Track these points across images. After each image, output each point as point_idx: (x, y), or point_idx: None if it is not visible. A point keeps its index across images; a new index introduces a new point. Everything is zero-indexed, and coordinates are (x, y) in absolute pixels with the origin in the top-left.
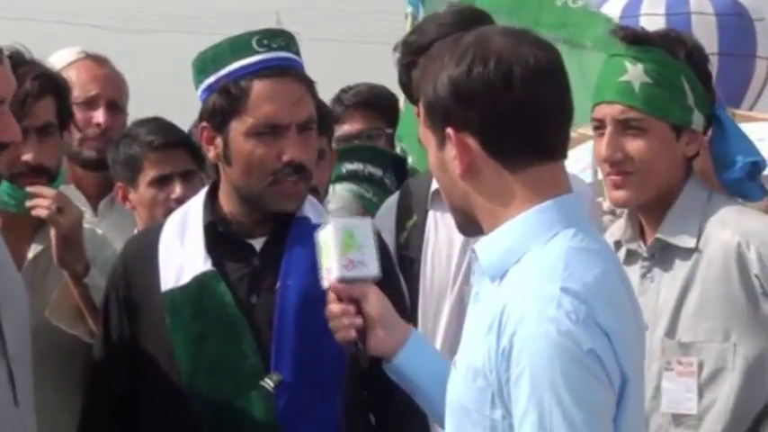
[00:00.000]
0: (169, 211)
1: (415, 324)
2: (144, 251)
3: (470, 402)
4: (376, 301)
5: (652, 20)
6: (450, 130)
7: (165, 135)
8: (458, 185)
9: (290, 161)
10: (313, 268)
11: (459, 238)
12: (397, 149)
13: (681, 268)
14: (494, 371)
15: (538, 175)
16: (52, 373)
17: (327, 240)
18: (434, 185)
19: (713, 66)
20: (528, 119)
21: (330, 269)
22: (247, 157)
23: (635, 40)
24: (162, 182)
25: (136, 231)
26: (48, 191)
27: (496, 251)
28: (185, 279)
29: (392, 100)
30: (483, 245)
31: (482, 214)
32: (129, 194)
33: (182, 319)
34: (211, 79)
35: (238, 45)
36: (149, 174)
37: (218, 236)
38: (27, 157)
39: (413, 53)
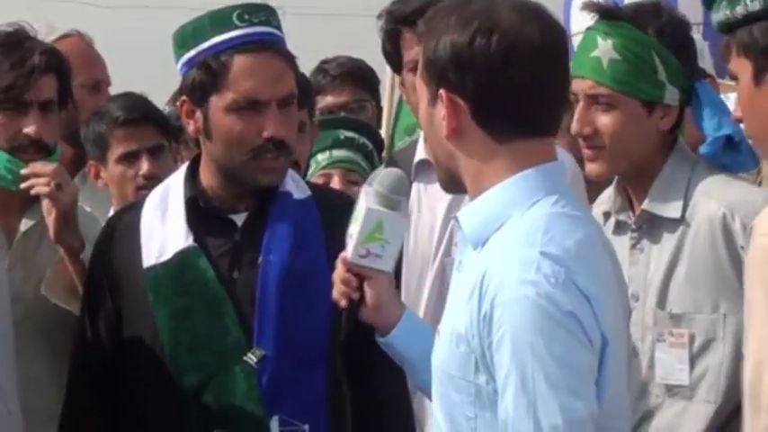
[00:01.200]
0: (139, 188)
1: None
2: (125, 228)
3: (454, 369)
4: (377, 288)
5: None
6: (443, 92)
7: (130, 111)
8: (443, 144)
9: (271, 137)
10: (295, 243)
11: (441, 209)
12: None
13: (668, 239)
14: (476, 336)
15: (524, 147)
16: (44, 347)
17: (358, 216)
18: (418, 157)
19: (698, 36)
20: (521, 98)
21: (350, 239)
22: (227, 133)
23: (605, 14)
24: (129, 158)
25: (112, 209)
26: (45, 168)
27: (478, 218)
28: (167, 255)
29: (373, 73)
30: (465, 213)
31: (466, 175)
32: (101, 172)
33: (164, 295)
34: (191, 53)
35: (219, 19)
36: (117, 150)
37: (200, 211)
38: (29, 130)
39: (396, 21)
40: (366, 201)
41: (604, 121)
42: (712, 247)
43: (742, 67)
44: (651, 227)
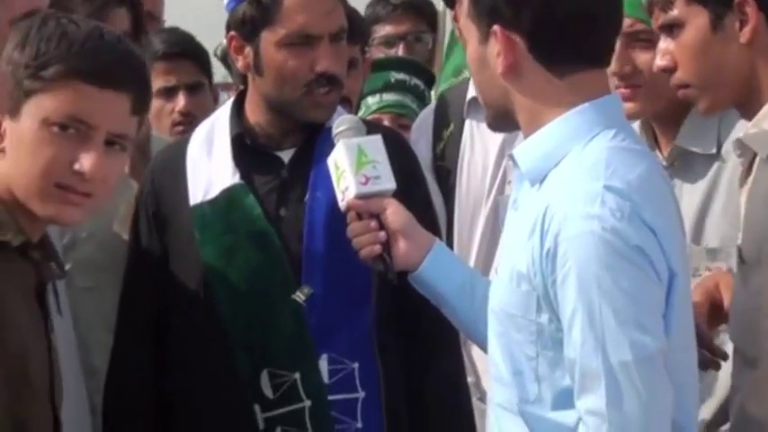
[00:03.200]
0: (175, 124)
1: (451, 234)
2: (171, 165)
3: (515, 308)
4: (396, 213)
5: None
6: (497, 27)
7: (171, 45)
8: (497, 82)
9: (324, 72)
10: None
11: (494, 148)
12: None
13: (702, 175)
14: (538, 274)
15: (582, 80)
16: (116, 281)
17: (340, 161)
18: (470, 94)
19: None
20: (580, 27)
21: (347, 188)
22: (279, 68)
23: None
24: (167, 93)
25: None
26: None
27: (536, 155)
28: (213, 193)
29: (433, 6)
30: (522, 149)
31: (521, 113)
32: None
33: (211, 233)
34: None
35: None
36: (155, 84)
37: (246, 148)
38: None
39: None
40: (336, 147)
41: (644, 58)
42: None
43: (692, 14)
44: (684, 164)
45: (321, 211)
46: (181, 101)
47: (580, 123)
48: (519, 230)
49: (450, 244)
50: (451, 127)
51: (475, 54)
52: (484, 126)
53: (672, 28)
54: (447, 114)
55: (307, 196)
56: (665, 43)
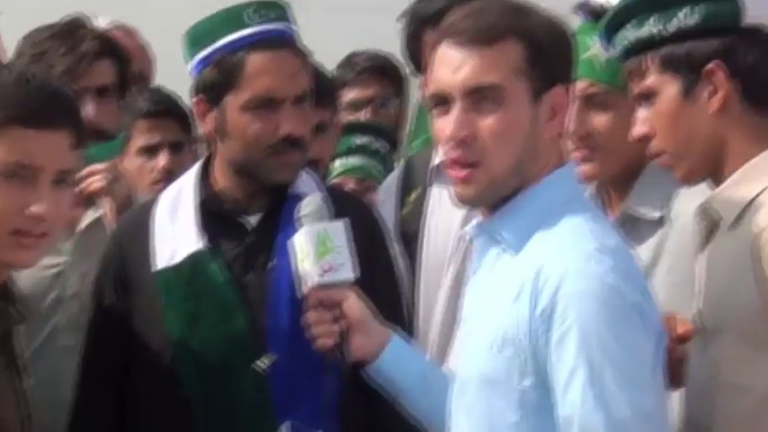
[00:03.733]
0: (155, 182)
1: (415, 300)
2: (137, 229)
3: (497, 374)
4: (354, 305)
5: None
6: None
7: (155, 103)
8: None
9: (288, 135)
10: None
11: (458, 214)
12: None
13: (649, 239)
14: (528, 335)
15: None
16: None
17: (302, 246)
18: (437, 160)
19: None
20: None
21: (306, 275)
22: (243, 131)
23: (597, 16)
24: (149, 151)
25: None
26: (99, 166)
27: (519, 221)
28: (179, 258)
29: (399, 69)
30: (498, 220)
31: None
32: (123, 162)
33: (175, 298)
34: (205, 52)
35: (232, 17)
36: (138, 142)
37: (212, 213)
38: (84, 116)
39: (419, 22)
40: (298, 232)
41: (600, 120)
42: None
43: (665, 83)
44: (632, 227)
45: (285, 279)
46: (162, 159)
47: (563, 191)
48: (498, 294)
49: (413, 307)
50: (416, 193)
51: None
52: (448, 192)
53: (648, 96)
54: (412, 180)
55: (272, 263)
56: (642, 112)
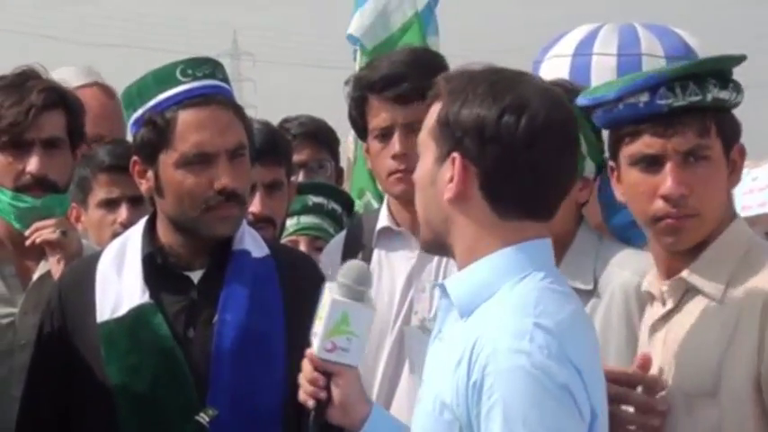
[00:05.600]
0: (116, 235)
1: None
2: (80, 280)
3: None
4: (346, 384)
5: (603, 59)
6: (457, 155)
7: (116, 158)
8: (441, 205)
9: (222, 189)
10: (252, 302)
11: (401, 278)
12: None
13: None
14: (462, 404)
15: (523, 227)
16: None
17: (324, 308)
18: (380, 224)
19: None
20: (535, 180)
21: (314, 337)
22: (178, 188)
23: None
24: (109, 205)
25: None
26: (49, 220)
27: (467, 287)
28: (122, 311)
29: (333, 133)
30: (454, 281)
31: (457, 242)
32: (82, 216)
33: (117, 351)
34: (138, 113)
35: (162, 76)
36: (98, 195)
37: (156, 267)
38: (31, 168)
39: (363, 88)
40: (330, 293)
41: None
42: (627, 316)
43: (717, 147)
44: None
45: (229, 334)
46: (123, 213)
47: (513, 262)
48: (444, 360)
49: None
50: (360, 256)
51: (426, 171)
52: (392, 255)
53: (693, 155)
54: (356, 243)
55: (215, 318)
56: (678, 170)
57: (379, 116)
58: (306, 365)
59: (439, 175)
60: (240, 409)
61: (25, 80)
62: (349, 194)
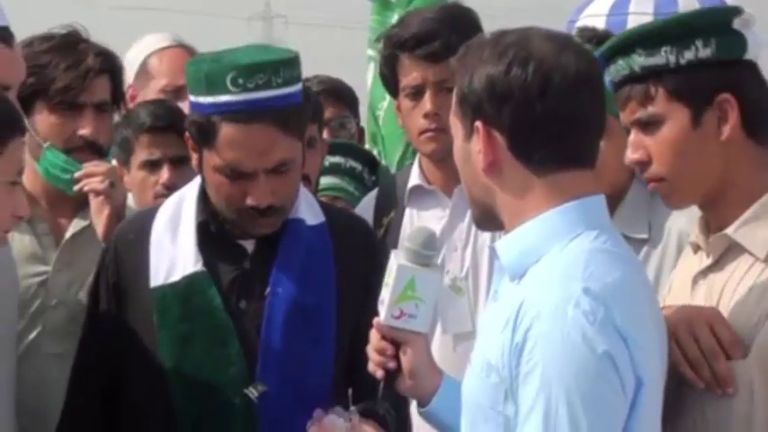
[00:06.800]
0: (158, 196)
1: None
2: (135, 239)
3: (485, 399)
4: (415, 353)
5: (639, 19)
6: (479, 124)
7: (157, 118)
8: (480, 179)
9: (255, 206)
10: (304, 275)
11: None
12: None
13: None
14: (506, 367)
15: (562, 179)
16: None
17: (390, 275)
18: (412, 182)
19: None
20: (559, 128)
21: (381, 305)
22: (216, 189)
23: (600, 39)
24: (151, 166)
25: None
26: (99, 167)
27: (516, 249)
28: (175, 277)
29: (352, 91)
30: (503, 243)
31: (503, 210)
32: (125, 176)
33: (169, 318)
34: (191, 98)
35: (213, 79)
36: (140, 156)
37: (211, 234)
38: (84, 131)
39: (394, 46)
40: (397, 259)
41: None
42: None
43: (673, 111)
44: None
45: (281, 308)
46: (165, 174)
47: (562, 223)
48: (495, 322)
49: None
50: (392, 214)
51: (460, 151)
52: (424, 214)
53: (648, 123)
54: (388, 201)
55: (268, 291)
56: (637, 136)
57: (411, 75)
58: (373, 335)
59: (471, 150)
60: (289, 386)
61: (75, 42)
62: (369, 151)
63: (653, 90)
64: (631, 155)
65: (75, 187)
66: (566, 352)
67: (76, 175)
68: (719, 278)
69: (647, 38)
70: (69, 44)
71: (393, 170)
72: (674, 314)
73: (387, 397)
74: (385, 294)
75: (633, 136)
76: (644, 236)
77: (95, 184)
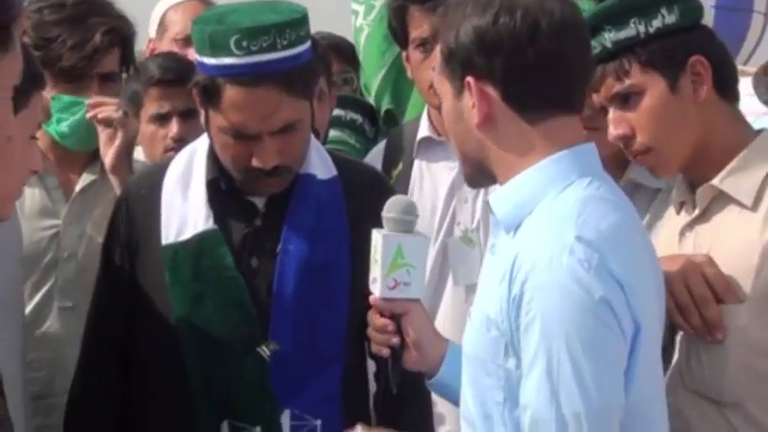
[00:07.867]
0: (168, 150)
1: None
2: (147, 195)
3: (485, 353)
4: (415, 322)
5: None
6: (470, 79)
7: (166, 71)
8: (473, 135)
9: (260, 167)
10: (316, 231)
11: (443, 189)
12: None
13: (645, 207)
14: (505, 320)
15: (556, 126)
16: None
17: (377, 250)
18: (421, 134)
19: (709, 18)
20: (551, 71)
21: (374, 283)
22: (222, 149)
23: None
24: (160, 119)
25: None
26: (111, 99)
27: (511, 202)
28: (186, 235)
29: (354, 47)
30: (497, 196)
31: (497, 164)
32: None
33: (180, 276)
34: (196, 57)
35: (218, 40)
36: (149, 110)
37: (221, 191)
38: (90, 101)
39: None
40: (379, 233)
41: None
42: None
43: (649, 80)
44: (634, 196)
45: (292, 266)
46: (174, 127)
47: (555, 172)
48: (492, 276)
49: None
50: (400, 166)
51: (450, 109)
52: (434, 166)
53: (627, 96)
54: (396, 153)
55: (280, 248)
56: (616, 113)
57: (421, 27)
58: (371, 315)
59: (463, 107)
60: (301, 344)
61: (85, 14)
62: (369, 102)
63: (627, 63)
64: (614, 131)
65: (89, 114)
66: (563, 301)
67: (88, 102)
68: (706, 228)
69: (615, 13)
70: (79, 17)
71: (371, 98)
72: (666, 262)
73: (396, 374)
74: (375, 270)
75: (613, 113)
76: (660, 185)
77: (110, 111)
